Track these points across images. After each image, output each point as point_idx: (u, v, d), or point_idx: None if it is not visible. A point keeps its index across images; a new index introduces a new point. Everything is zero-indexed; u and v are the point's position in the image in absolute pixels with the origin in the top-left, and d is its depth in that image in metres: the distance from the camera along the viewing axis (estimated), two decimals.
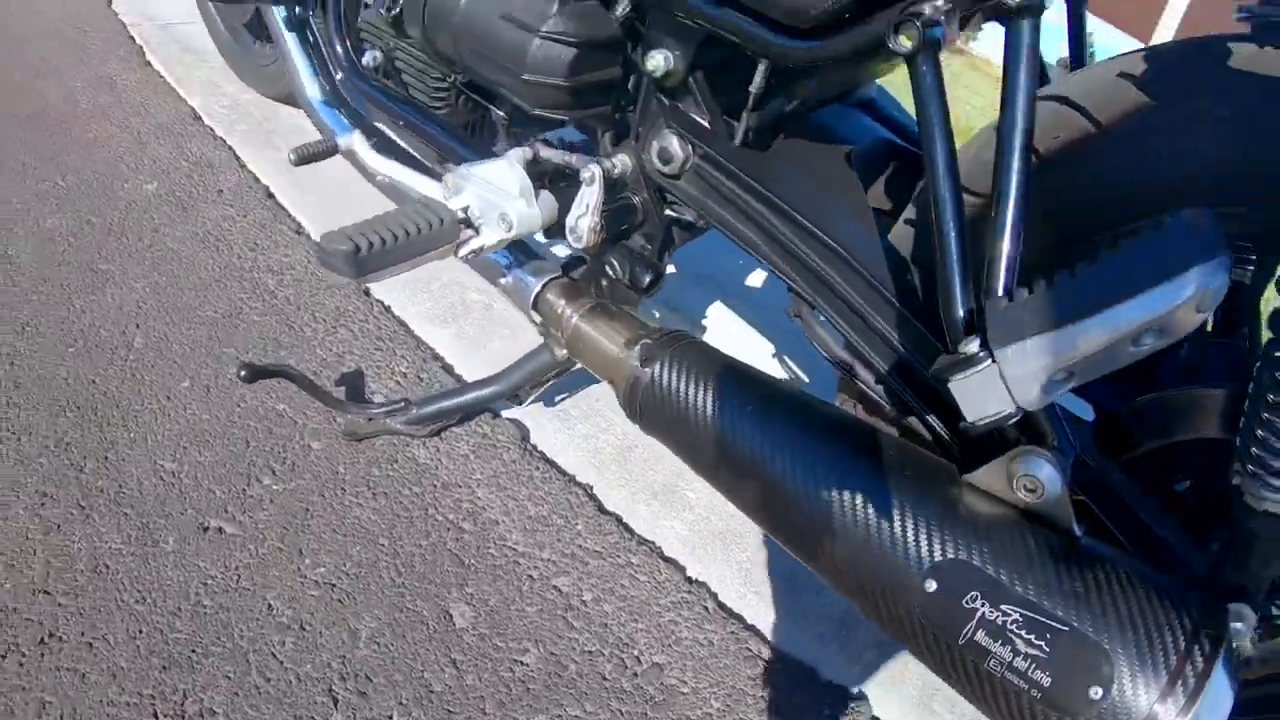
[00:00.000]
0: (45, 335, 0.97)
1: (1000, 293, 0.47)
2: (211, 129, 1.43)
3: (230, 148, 1.38)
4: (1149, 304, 0.40)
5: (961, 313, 0.50)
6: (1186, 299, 0.39)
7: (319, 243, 0.63)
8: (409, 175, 0.78)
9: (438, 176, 0.78)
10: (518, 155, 0.70)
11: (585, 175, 0.69)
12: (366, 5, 0.93)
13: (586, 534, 0.88)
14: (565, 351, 0.75)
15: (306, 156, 0.83)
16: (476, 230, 0.70)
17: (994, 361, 0.46)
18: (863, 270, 0.60)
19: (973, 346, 0.48)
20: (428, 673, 0.74)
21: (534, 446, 0.94)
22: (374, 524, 0.83)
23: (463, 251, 0.69)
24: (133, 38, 1.74)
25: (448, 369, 1.00)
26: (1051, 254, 0.56)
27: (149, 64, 1.63)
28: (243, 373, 0.77)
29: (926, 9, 0.50)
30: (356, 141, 0.83)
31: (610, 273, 0.74)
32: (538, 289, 0.75)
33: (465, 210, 0.69)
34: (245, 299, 1.03)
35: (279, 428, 0.88)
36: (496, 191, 0.69)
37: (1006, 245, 0.47)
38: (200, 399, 0.90)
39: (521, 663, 0.77)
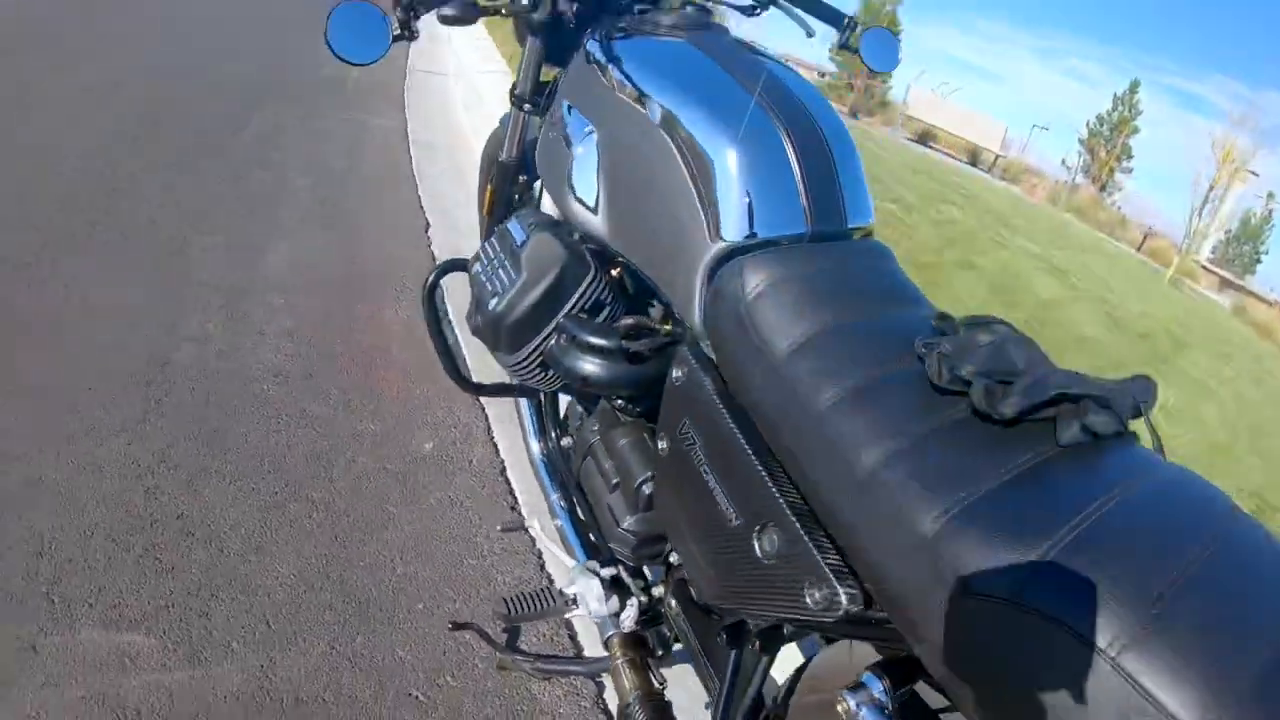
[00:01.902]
0: (351, 549, 1.60)
1: None
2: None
3: (486, 418, 2.03)
4: None
5: None
6: None
7: (495, 605, 1.20)
8: (559, 553, 1.35)
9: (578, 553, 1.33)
10: (604, 574, 1.18)
11: (629, 603, 1.14)
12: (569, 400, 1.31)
13: None
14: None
15: (509, 528, 1.47)
16: (577, 607, 1.20)
17: None
18: None
19: None
20: None
21: (604, 702, 1.39)
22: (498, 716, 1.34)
23: (567, 615, 1.22)
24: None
25: (572, 636, 1.48)
26: None
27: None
28: (449, 625, 1.35)
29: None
30: (537, 523, 1.42)
31: (647, 638, 1.17)
32: (610, 634, 1.16)
33: (574, 596, 1.19)
34: (466, 556, 1.60)
35: (467, 650, 1.43)
36: (590, 592, 1.17)
37: None
38: (425, 618, 1.46)
39: None
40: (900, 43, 1.25)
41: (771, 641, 0.82)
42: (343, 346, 2.22)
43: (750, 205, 0.85)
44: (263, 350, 2.13)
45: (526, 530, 1.43)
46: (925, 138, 12.87)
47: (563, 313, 1.04)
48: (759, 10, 1.25)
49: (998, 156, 13.37)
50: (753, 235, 0.85)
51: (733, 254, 0.84)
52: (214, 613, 1.40)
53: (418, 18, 0.96)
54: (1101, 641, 0.49)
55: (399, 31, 0.95)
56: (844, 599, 0.64)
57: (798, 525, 0.69)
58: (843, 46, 1.22)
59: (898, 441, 0.64)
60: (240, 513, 1.61)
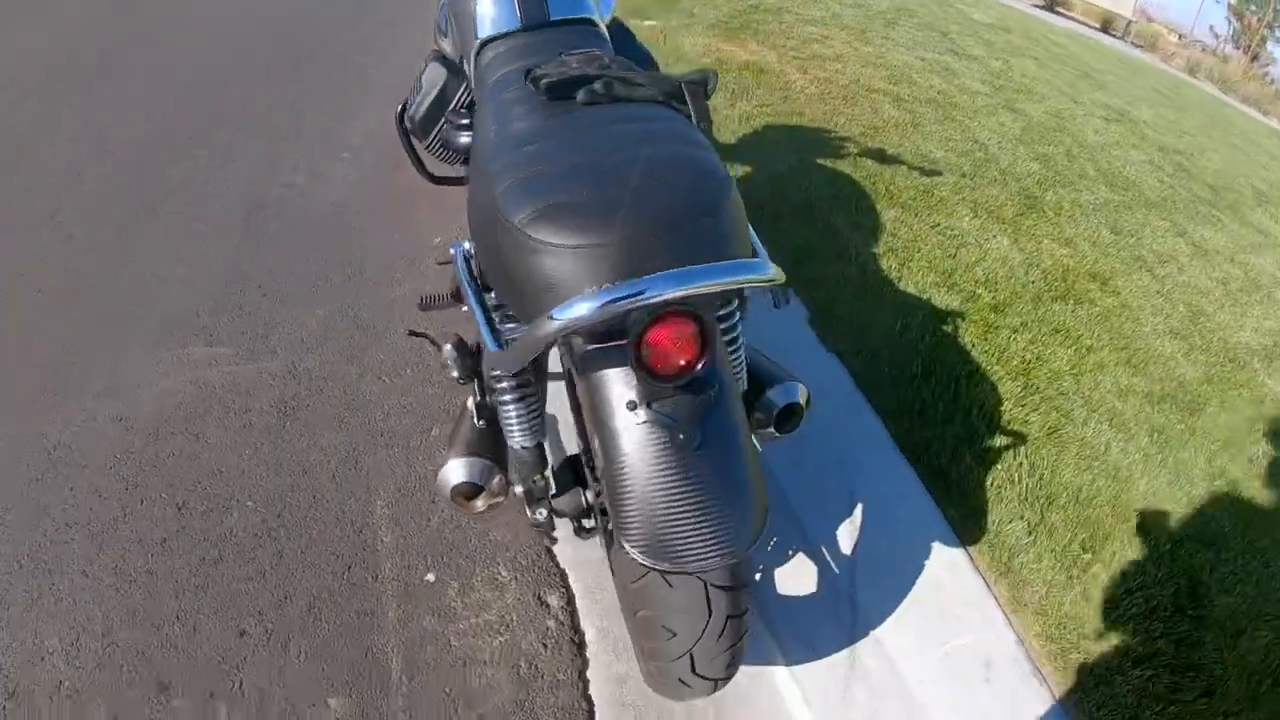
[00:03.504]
0: (365, 299, 2.01)
1: None
2: None
3: None
4: None
5: None
6: None
7: (415, 301, 1.53)
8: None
9: None
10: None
11: None
12: None
13: None
14: None
15: (441, 261, 1.78)
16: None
17: None
18: None
19: None
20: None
21: None
22: (438, 392, 1.71)
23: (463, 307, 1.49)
24: None
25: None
26: None
27: None
28: (408, 332, 1.70)
29: None
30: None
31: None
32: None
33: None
34: None
35: (427, 357, 1.81)
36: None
37: None
38: (405, 338, 1.86)
39: None
40: None
41: None
42: (390, 186, 2.56)
43: (490, 14, 1.29)
44: (333, 190, 2.53)
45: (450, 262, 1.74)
46: (1054, 4, 11.30)
47: (449, 109, 1.50)
48: None
49: (1130, 23, 11.51)
50: (492, 30, 1.28)
51: (484, 44, 1.28)
52: (270, 335, 1.86)
53: None
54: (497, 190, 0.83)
55: None
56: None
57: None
58: None
59: (504, 115, 1.02)
60: (300, 282, 2.05)
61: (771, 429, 1.05)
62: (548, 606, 1.33)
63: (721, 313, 0.94)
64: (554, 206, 0.75)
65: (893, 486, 1.63)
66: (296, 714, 1.17)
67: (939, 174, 2.92)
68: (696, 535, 0.71)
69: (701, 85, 0.98)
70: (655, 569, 0.74)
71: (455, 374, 1.15)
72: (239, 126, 2.83)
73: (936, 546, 1.50)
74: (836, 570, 1.42)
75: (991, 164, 3.17)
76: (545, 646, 1.26)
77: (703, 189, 0.79)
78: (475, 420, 1.13)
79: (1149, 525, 1.66)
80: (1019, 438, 1.87)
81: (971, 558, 1.50)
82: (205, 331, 1.86)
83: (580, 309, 0.69)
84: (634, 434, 0.72)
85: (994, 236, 2.62)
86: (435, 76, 1.51)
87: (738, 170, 2.73)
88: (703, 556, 0.72)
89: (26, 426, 1.57)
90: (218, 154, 2.62)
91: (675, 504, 0.71)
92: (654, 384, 0.70)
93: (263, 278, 2.06)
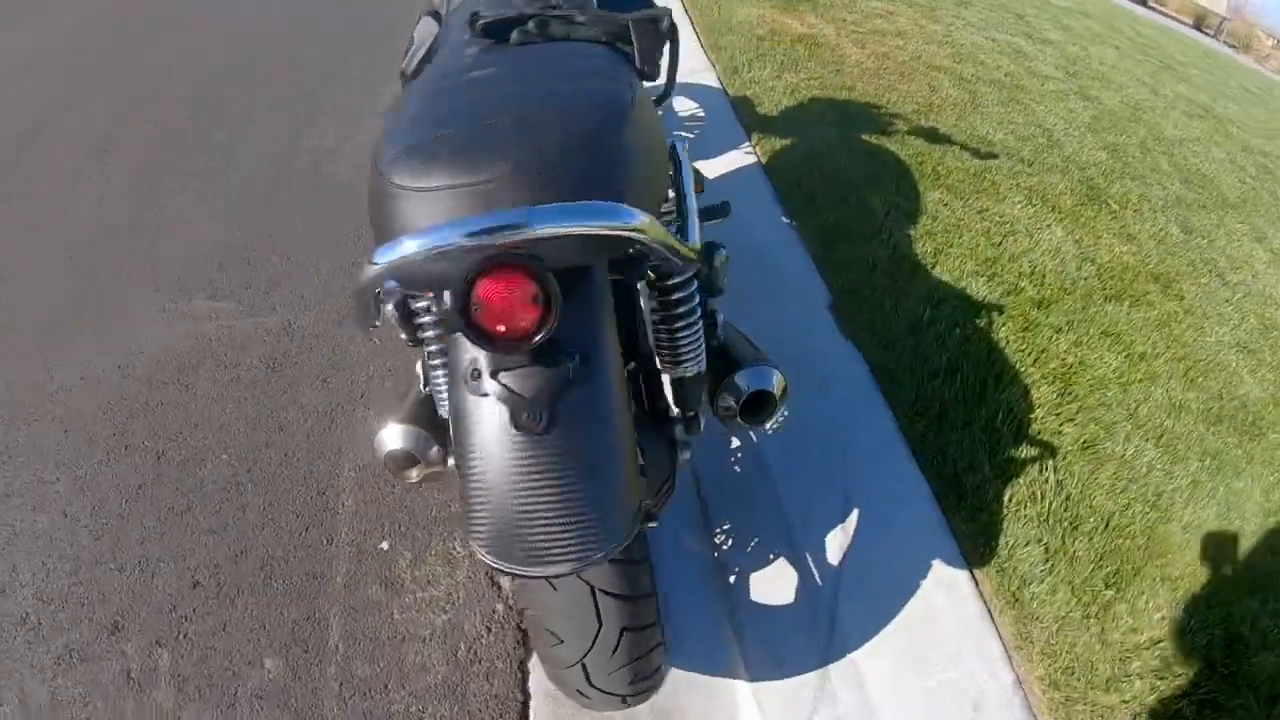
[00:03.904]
0: None
1: None
2: None
3: None
4: None
5: None
6: None
7: None
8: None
9: None
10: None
11: None
12: None
13: None
14: None
15: None
16: None
17: None
18: None
19: None
20: None
21: None
22: None
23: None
24: None
25: None
26: None
27: None
28: None
29: None
30: None
31: None
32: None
33: None
34: None
35: None
36: None
37: None
38: None
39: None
40: None
41: None
42: None
43: None
44: (365, 139, 2.45)
45: None
46: None
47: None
48: None
49: (1223, 20, 10.47)
50: None
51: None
52: (273, 293, 1.81)
53: None
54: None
55: None
56: None
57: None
58: None
59: (440, 60, 0.95)
60: (315, 243, 1.99)
61: (737, 418, 0.90)
62: (499, 588, 1.22)
63: (676, 280, 0.80)
64: (411, 148, 0.66)
65: (897, 491, 1.45)
66: (233, 669, 1.11)
67: (994, 157, 2.64)
68: (543, 533, 0.58)
69: (653, 24, 0.86)
70: (499, 569, 0.61)
71: (403, 335, 1.05)
72: (242, 120, 2.77)
73: (937, 564, 1.32)
74: (820, 580, 1.26)
75: (1054, 150, 2.86)
76: (489, 630, 1.16)
77: (581, 127, 0.66)
78: (422, 386, 1.02)
79: (1187, 564, 1.43)
80: (1048, 450, 1.65)
81: (976, 581, 1.32)
82: (210, 286, 1.83)
83: (404, 248, 0.58)
84: (476, 408, 0.60)
85: (1047, 226, 2.35)
86: (425, 31, 1.43)
87: (773, 143, 2.53)
88: (547, 559, 0.59)
89: (31, 371, 1.56)
90: (217, 153, 2.57)
91: (518, 494, 0.58)
92: (491, 350, 0.57)
93: (278, 237, 2.01)
